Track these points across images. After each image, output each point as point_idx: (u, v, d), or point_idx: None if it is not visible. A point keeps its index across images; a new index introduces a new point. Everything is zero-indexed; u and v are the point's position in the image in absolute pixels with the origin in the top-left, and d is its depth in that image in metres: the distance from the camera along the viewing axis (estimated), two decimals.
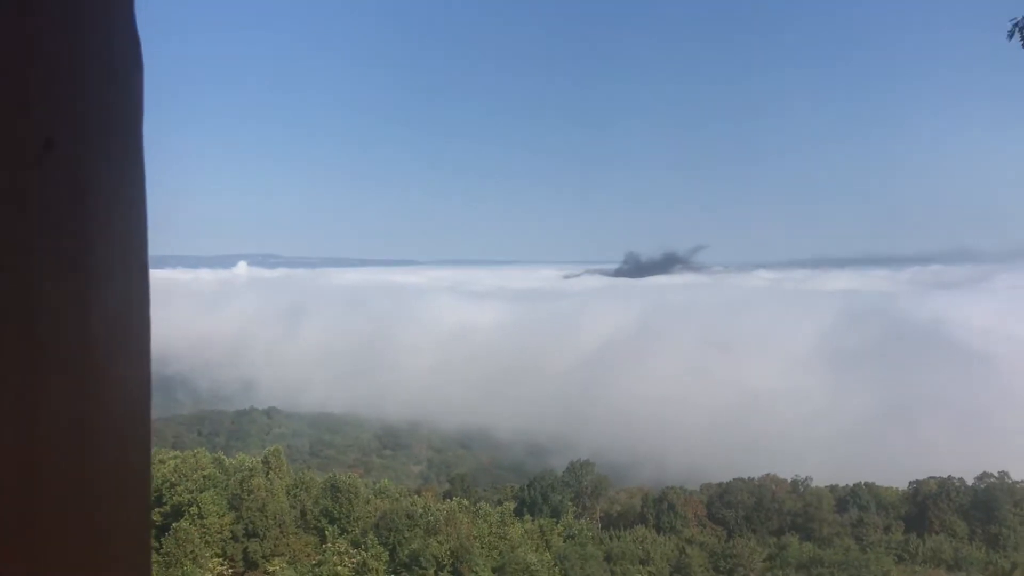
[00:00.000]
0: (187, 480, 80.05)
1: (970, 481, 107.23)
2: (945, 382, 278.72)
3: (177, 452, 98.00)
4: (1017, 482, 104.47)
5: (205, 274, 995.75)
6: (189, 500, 76.58)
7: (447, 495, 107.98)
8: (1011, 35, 20.08)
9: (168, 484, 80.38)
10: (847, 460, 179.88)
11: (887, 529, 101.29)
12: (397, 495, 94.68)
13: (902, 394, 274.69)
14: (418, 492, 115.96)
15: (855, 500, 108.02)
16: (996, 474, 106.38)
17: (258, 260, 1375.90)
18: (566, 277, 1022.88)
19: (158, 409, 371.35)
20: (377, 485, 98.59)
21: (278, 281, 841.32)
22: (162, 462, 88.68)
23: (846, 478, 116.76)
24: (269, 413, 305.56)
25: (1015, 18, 20.06)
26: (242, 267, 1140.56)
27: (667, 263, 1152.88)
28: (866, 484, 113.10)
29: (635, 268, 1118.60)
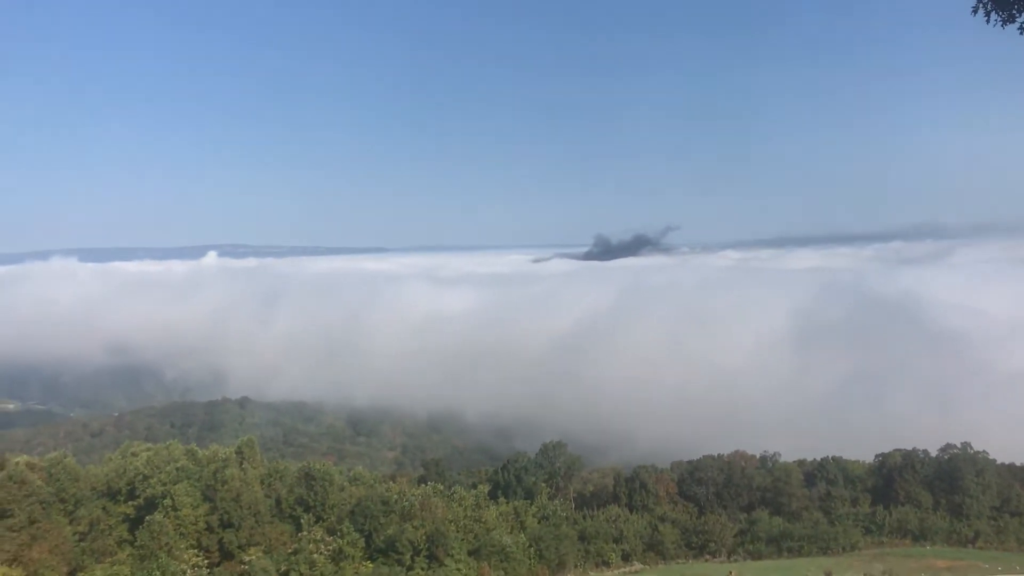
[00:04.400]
0: (160, 472, 79.82)
1: (934, 452, 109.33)
2: (909, 356, 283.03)
3: (149, 444, 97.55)
4: (979, 452, 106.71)
5: (175, 265, 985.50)
6: (163, 492, 76.43)
7: (421, 480, 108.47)
8: (975, 10, 20.82)
9: (141, 477, 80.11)
10: (814, 434, 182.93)
11: (854, 502, 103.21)
12: (371, 481, 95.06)
13: (867, 369, 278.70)
14: (392, 478, 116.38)
15: (823, 474, 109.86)
16: (959, 445, 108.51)
17: (227, 250, 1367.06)
18: (535, 261, 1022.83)
19: (130, 401, 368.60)
20: (351, 472, 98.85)
21: (248, 271, 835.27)
22: (134, 455, 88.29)
23: (814, 452, 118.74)
24: (242, 403, 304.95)
25: None
26: (211, 257, 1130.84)
27: (637, 245, 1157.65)
28: (833, 458, 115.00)
29: (604, 251, 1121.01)
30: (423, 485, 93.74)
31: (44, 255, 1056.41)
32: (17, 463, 74.86)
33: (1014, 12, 20.70)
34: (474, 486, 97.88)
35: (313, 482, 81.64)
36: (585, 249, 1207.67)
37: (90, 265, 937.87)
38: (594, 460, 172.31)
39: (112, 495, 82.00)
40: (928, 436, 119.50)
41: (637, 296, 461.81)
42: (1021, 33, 20.81)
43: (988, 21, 20.84)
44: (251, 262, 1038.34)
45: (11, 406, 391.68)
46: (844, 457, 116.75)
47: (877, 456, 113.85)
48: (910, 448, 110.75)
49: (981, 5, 20.81)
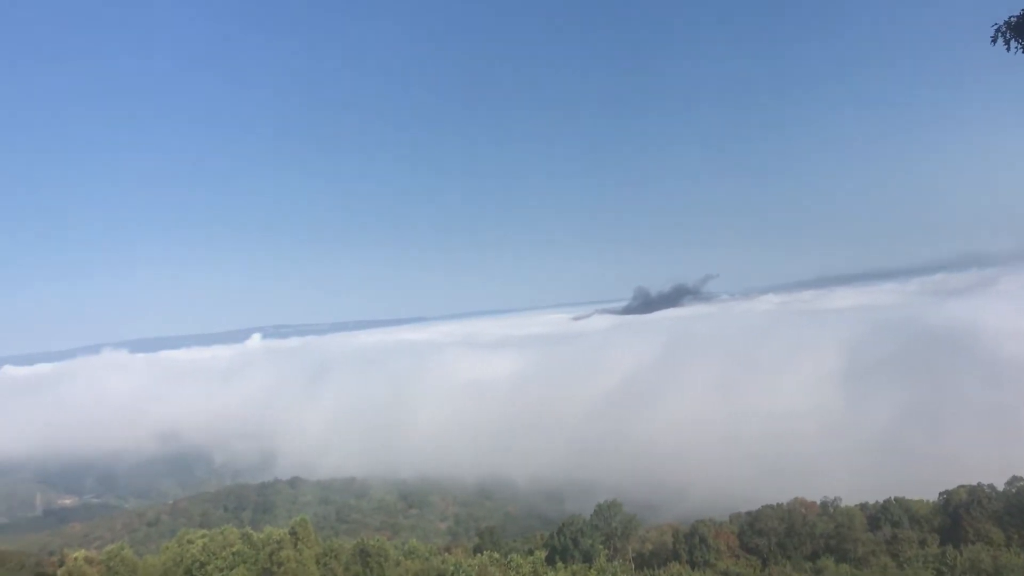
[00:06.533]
0: (216, 558, 79.86)
1: (1000, 486, 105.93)
2: (966, 388, 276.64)
3: (205, 530, 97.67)
4: None
5: (220, 350, 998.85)
6: None
7: (477, 549, 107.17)
8: (994, 40, 20.98)
9: (198, 564, 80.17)
10: (874, 475, 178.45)
11: (922, 543, 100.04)
12: (427, 554, 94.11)
13: (924, 404, 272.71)
14: (447, 549, 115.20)
15: (887, 516, 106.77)
16: None
17: (271, 332, 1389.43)
18: (576, 319, 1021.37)
19: (183, 488, 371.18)
20: (406, 546, 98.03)
21: (292, 350, 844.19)
22: (190, 542, 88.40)
23: (875, 494, 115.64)
24: (293, 483, 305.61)
25: (996, 23, 20.98)
26: (256, 340, 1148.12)
27: (677, 295, 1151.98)
28: (896, 499, 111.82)
29: (644, 303, 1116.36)
30: (479, 555, 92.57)
31: (95, 349, 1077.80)
32: (76, 559, 75.43)
33: None
34: (531, 552, 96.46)
35: (368, 559, 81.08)
36: (624, 303, 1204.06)
37: (140, 355, 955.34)
38: (650, 517, 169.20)
39: None
40: (993, 470, 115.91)
41: (682, 347, 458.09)
42: None
43: (1009, 49, 20.99)
44: (294, 342, 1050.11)
45: (68, 501, 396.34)
46: (907, 497, 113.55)
47: (941, 494, 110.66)
48: (975, 483, 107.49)
49: (1000, 34, 20.99)
